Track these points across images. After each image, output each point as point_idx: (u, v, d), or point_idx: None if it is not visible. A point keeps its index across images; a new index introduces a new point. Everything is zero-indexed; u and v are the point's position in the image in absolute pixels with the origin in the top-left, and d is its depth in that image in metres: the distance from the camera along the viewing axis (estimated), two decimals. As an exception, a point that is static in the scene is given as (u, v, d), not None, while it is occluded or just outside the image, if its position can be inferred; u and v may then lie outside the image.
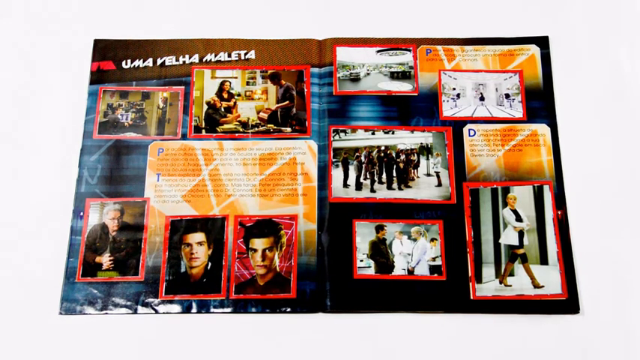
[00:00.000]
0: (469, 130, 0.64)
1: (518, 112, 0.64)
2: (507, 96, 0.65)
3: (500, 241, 0.60)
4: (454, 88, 0.66)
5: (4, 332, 0.57)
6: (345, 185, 0.62)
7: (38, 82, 0.67)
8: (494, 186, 0.61)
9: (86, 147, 0.64)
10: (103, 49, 0.68)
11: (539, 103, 0.64)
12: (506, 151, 0.63)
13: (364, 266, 0.59)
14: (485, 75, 0.66)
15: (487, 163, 0.62)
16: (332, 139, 0.64)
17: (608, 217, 0.61)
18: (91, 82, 0.66)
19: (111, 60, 0.67)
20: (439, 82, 0.66)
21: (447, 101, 0.65)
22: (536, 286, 0.58)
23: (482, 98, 0.65)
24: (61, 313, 0.58)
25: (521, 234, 0.60)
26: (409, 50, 0.68)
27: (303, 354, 0.56)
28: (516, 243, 0.59)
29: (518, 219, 0.60)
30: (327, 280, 0.59)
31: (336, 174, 0.63)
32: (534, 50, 0.67)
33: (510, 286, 0.58)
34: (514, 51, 0.67)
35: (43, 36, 0.70)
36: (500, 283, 0.58)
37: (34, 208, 0.62)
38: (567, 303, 0.57)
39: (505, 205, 0.61)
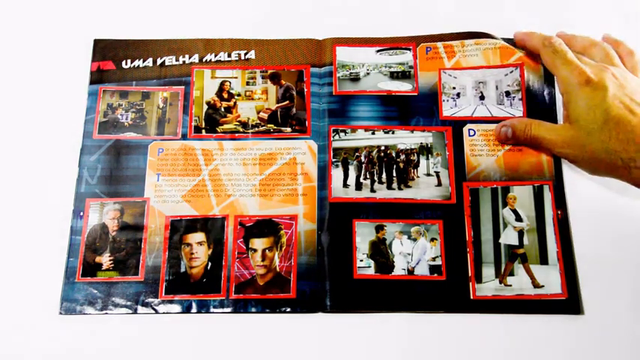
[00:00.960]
0: (469, 130, 0.64)
1: (518, 110, 0.64)
2: (507, 94, 0.64)
3: (500, 241, 0.60)
4: (454, 87, 0.65)
5: (4, 332, 0.57)
6: (345, 185, 0.62)
7: (38, 82, 0.67)
8: (495, 186, 0.61)
9: (86, 147, 0.64)
10: (103, 49, 0.68)
11: (540, 100, 0.64)
12: (506, 151, 0.62)
13: (364, 266, 0.59)
14: (486, 72, 0.65)
15: (487, 163, 0.62)
16: (332, 139, 0.64)
17: (608, 216, 0.61)
18: (91, 82, 0.66)
19: (111, 60, 0.67)
20: (439, 82, 0.66)
21: (447, 101, 0.65)
22: (536, 285, 0.57)
23: (482, 97, 0.65)
24: (61, 313, 0.58)
25: (521, 234, 0.59)
26: (409, 49, 0.68)
27: (303, 354, 0.56)
28: (516, 243, 0.59)
29: (518, 219, 0.60)
30: (327, 280, 0.59)
31: (336, 174, 0.63)
32: None
33: (510, 285, 0.58)
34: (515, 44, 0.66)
35: (42, 36, 0.70)
36: (500, 282, 0.58)
37: (34, 208, 0.62)
38: (567, 303, 0.57)
39: (505, 205, 0.61)
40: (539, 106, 0.64)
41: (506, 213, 0.60)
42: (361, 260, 0.59)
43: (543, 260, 0.59)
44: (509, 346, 0.56)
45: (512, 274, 0.58)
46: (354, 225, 0.60)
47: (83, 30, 0.69)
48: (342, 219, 0.61)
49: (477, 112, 0.64)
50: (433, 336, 0.57)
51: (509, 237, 0.60)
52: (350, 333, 0.57)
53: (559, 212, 0.60)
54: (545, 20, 0.69)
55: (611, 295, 0.58)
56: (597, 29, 0.65)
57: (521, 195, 0.61)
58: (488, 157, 0.62)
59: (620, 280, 0.59)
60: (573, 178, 0.62)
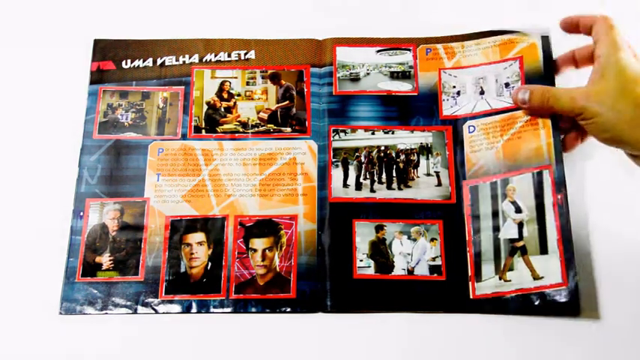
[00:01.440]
0: (469, 126, 0.63)
1: None
2: (507, 85, 0.63)
3: (499, 236, 0.58)
4: (454, 87, 0.65)
5: (4, 332, 0.57)
6: (345, 185, 0.62)
7: (38, 82, 0.67)
8: (494, 180, 0.60)
9: (86, 147, 0.64)
10: (103, 49, 0.68)
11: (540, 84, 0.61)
12: (505, 142, 0.61)
13: (364, 266, 0.59)
14: (485, 68, 0.65)
15: (486, 158, 0.61)
16: (332, 139, 0.64)
17: (610, 198, 0.60)
18: (91, 82, 0.66)
19: (111, 60, 0.67)
20: (439, 82, 0.66)
21: (447, 100, 0.65)
22: (535, 277, 0.56)
23: (482, 92, 0.64)
24: (61, 313, 0.58)
25: (520, 225, 0.58)
26: (409, 50, 0.68)
27: (303, 354, 0.56)
28: (516, 236, 0.58)
29: (518, 210, 0.59)
30: (327, 280, 0.59)
31: (336, 174, 0.63)
32: (535, 37, 0.65)
33: (510, 281, 0.57)
34: (514, 39, 0.65)
35: (43, 36, 0.70)
36: (500, 279, 0.57)
37: (34, 208, 0.62)
38: (567, 292, 0.55)
39: (504, 197, 0.59)
40: None
41: (505, 206, 0.59)
42: (361, 260, 0.59)
43: (543, 250, 0.57)
44: (509, 346, 0.56)
45: (511, 268, 0.57)
46: (354, 225, 0.60)
47: (83, 30, 0.69)
48: (342, 219, 0.61)
49: (477, 108, 0.64)
50: (433, 336, 0.57)
51: (508, 231, 0.58)
52: (350, 333, 0.57)
53: (559, 197, 0.58)
54: (544, 22, 0.69)
55: (615, 289, 0.57)
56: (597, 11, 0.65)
57: (521, 184, 0.59)
58: (488, 150, 0.61)
59: (622, 269, 0.58)
60: (573, 160, 0.61)
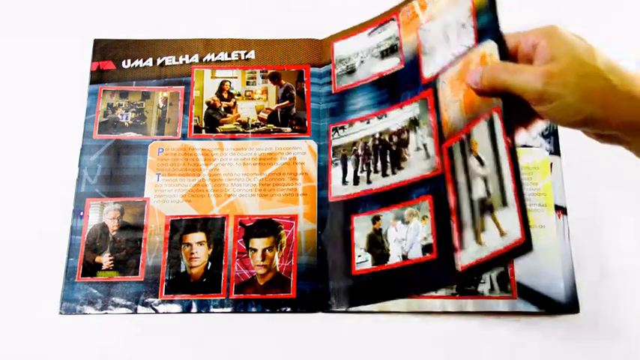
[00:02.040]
0: (441, 83, 0.57)
1: (470, 39, 0.54)
2: (464, 25, 0.56)
3: (472, 197, 0.52)
4: (430, 44, 0.60)
5: (4, 332, 0.57)
6: (344, 182, 0.62)
7: (38, 81, 0.67)
8: (462, 136, 0.54)
9: (86, 147, 0.64)
10: (103, 49, 0.68)
11: (487, 17, 0.54)
12: (465, 91, 0.54)
13: (362, 261, 0.58)
14: (450, 12, 0.58)
15: (454, 114, 0.55)
16: (331, 137, 0.64)
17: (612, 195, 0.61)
18: (91, 82, 0.66)
19: (111, 60, 0.67)
20: (419, 45, 0.61)
21: (426, 61, 0.60)
22: (502, 234, 0.49)
23: (448, 40, 0.58)
24: (61, 313, 0.58)
25: (485, 181, 0.52)
26: (394, 20, 0.64)
27: (303, 354, 0.56)
28: (484, 193, 0.51)
29: (481, 164, 0.52)
30: (328, 279, 0.58)
31: (336, 173, 0.62)
32: None
33: (484, 244, 0.50)
34: None
35: (43, 36, 0.70)
36: (478, 243, 0.51)
37: (33, 208, 0.62)
38: (525, 247, 0.47)
39: (471, 153, 0.53)
40: (486, 23, 0.53)
41: (472, 162, 0.53)
42: (359, 256, 0.58)
43: (504, 202, 0.49)
44: (509, 347, 0.56)
45: (483, 229, 0.51)
46: (352, 221, 0.60)
47: (83, 30, 0.69)
48: (342, 218, 0.60)
49: (445, 60, 0.57)
50: (433, 336, 0.57)
51: (477, 188, 0.52)
52: (350, 333, 0.57)
53: (509, 139, 0.49)
54: None
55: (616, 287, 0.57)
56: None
57: (479, 134, 0.52)
58: (454, 105, 0.55)
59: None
60: (574, 156, 0.61)
